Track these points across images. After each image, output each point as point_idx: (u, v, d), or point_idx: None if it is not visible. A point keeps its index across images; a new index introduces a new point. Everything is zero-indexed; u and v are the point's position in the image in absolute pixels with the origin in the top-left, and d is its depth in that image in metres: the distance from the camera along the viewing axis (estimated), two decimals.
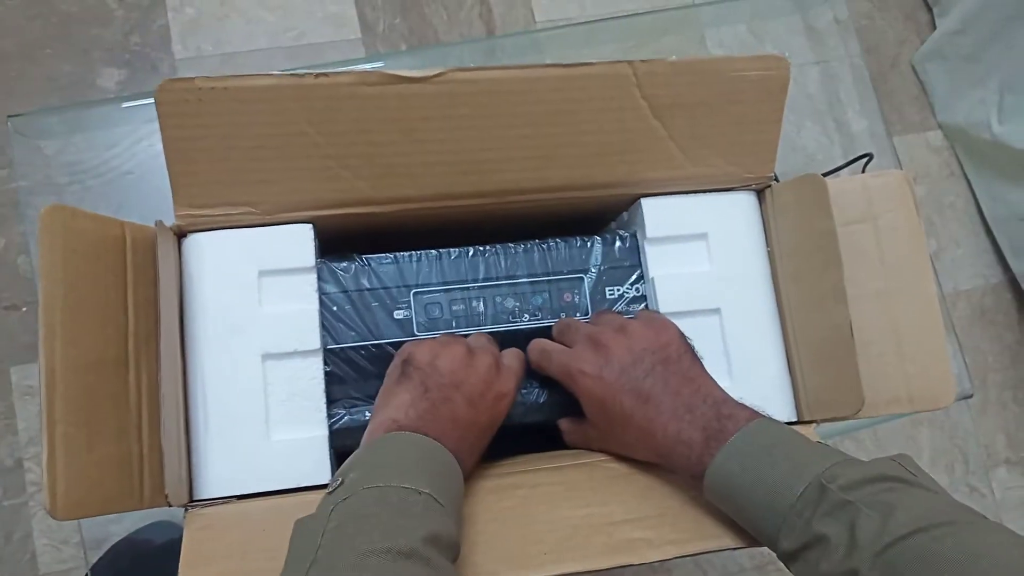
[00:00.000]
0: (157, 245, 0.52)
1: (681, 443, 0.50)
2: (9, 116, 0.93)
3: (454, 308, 0.58)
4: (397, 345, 0.56)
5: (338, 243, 0.58)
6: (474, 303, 0.59)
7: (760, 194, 0.63)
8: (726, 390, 0.54)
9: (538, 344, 0.58)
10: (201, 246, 0.55)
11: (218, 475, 0.52)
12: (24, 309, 1.38)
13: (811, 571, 0.43)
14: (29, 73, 1.45)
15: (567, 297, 0.60)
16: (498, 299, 0.59)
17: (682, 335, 0.55)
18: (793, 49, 1.18)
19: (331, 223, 0.56)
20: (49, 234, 0.46)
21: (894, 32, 1.75)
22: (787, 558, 0.45)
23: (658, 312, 0.59)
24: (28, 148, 0.93)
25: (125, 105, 1.01)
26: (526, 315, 0.59)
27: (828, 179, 0.60)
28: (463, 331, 0.58)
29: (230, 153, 0.52)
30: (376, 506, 0.42)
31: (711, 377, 0.54)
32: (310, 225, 0.56)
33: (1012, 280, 1.65)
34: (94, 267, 0.48)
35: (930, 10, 1.73)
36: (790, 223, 0.61)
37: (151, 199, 0.97)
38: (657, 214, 0.61)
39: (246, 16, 1.51)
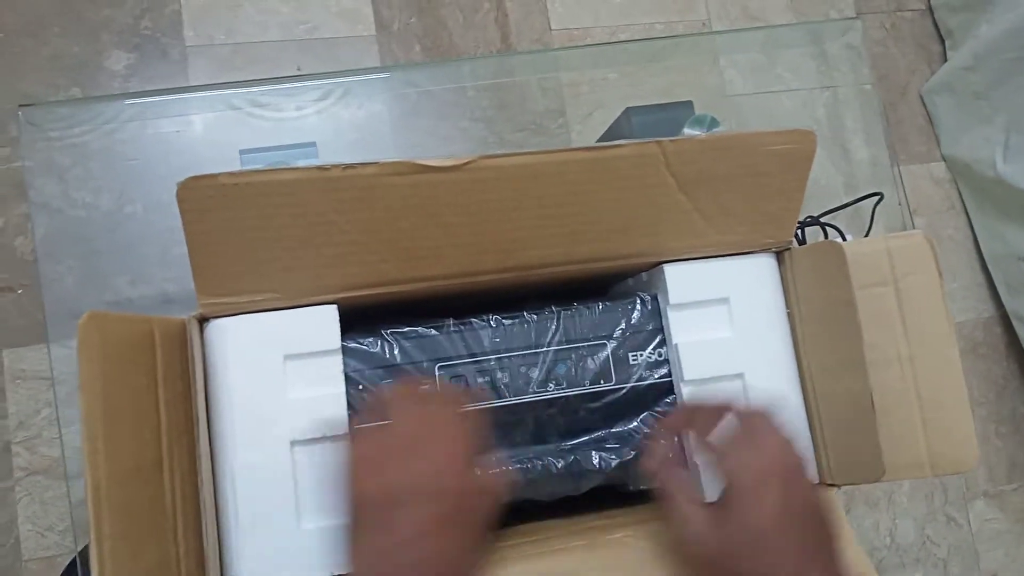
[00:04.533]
0: (187, 338, 0.53)
1: None
2: (20, 106, 0.92)
3: (479, 380, 0.58)
4: None
5: (362, 316, 0.58)
6: (499, 374, 0.59)
7: (779, 256, 0.64)
8: None
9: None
10: (225, 331, 0.54)
11: (251, 569, 0.52)
12: (19, 291, 1.37)
13: None
14: (36, 51, 1.43)
15: (590, 365, 0.60)
16: (522, 369, 0.59)
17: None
18: (805, 74, 1.19)
19: (355, 302, 0.56)
20: (88, 346, 0.45)
21: (906, 61, 1.75)
22: None
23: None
24: (33, 131, 0.92)
25: (128, 102, 1.00)
26: (551, 384, 0.59)
27: (851, 242, 0.60)
28: (488, 404, 0.58)
29: (253, 244, 0.52)
30: None
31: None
32: (335, 306, 0.56)
33: (1004, 316, 1.67)
34: (128, 372, 0.48)
35: (943, 42, 1.73)
36: (809, 289, 0.61)
37: (154, 186, 0.96)
38: (680, 280, 0.61)
39: (259, 6, 1.50)
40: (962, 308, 1.69)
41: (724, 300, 0.61)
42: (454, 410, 0.49)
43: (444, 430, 0.47)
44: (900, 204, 1.14)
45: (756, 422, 0.52)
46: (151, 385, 0.50)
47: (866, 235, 0.96)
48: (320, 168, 0.50)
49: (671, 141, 0.56)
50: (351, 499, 0.45)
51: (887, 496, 1.56)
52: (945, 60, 1.71)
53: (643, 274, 0.65)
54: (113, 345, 0.47)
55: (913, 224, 1.30)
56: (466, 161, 0.52)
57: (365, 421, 0.49)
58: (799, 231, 0.93)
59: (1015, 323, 1.62)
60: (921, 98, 1.73)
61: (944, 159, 1.72)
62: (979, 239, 1.68)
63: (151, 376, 0.50)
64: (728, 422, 0.52)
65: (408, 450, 0.45)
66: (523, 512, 0.64)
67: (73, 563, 0.82)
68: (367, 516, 0.44)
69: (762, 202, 0.60)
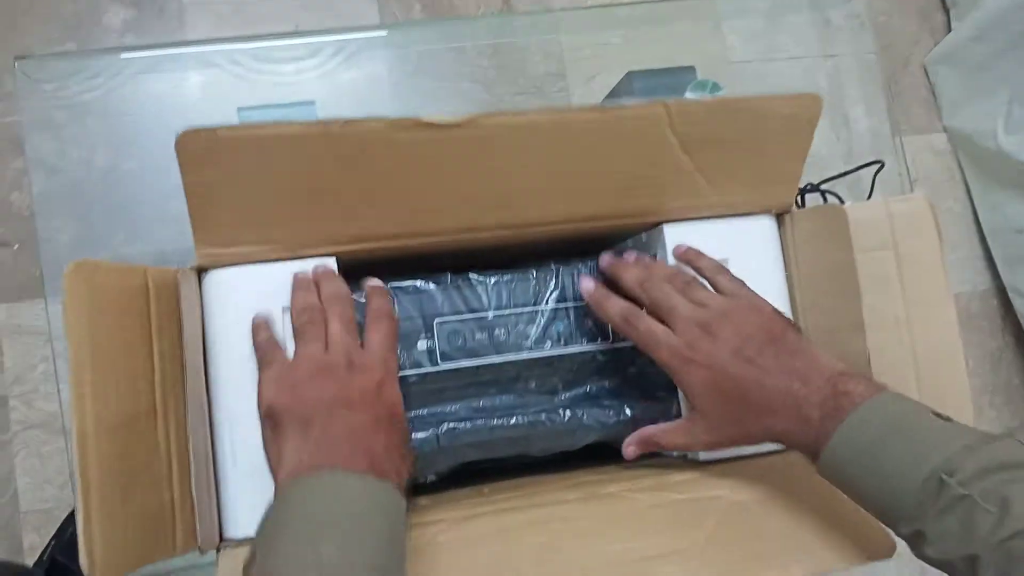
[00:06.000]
0: (180, 289, 0.52)
1: (800, 420, 0.49)
2: (16, 57, 0.91)
3: (477, 336, 0.59)
4: (423, 376, 0.57)
5: (361, 270, 0.58)
6: (496, 331, 0.59)
7: (779, 218, 0.64)
8: None
9: (634, 317, 0.56)
10: (223, 282, 0.54)
11: (248, 514, 0.52)
12: (16, 246, 1.37)
13: (931, 554, 0.44)
14: (33, 6, 1.42)
15: (587, 324, 0.61)
16: (520, 326, 0.60)
17: (778, 311, 0.55)
18: (807, 42, 1.18)
19: (355, 256, 0.56)
20: (75, 294, 0.45)
21: (909, 31, 1.74)
22: (906, 539, 0.46)
23: (746, 286, 0.58)
24: (29, 85, 0.92)
25: (125, 56, 0.99)
26: (548, 341, 0.60)
27: (852, 205, 0.60)
28: (485, 361, 0.58)
29: (253, 197, 0.51)
30: None
31: (819, 349, 0.53)
32: (334, 258, 0.56)
33: (1000, 288, 1.67)
34: (119, 322, 0.48)
35: (947, 12, 1.72)
36: (809, 251, 0.61)
37: (151, 144, 0.96)
38: (679, 240, 0.61)
39: None
40: (959, 280, 1.69)
41: (723, 261, 0.61)
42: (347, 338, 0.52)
43: (336, 350, 0.51)
44: (901, 175, 1.14)
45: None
46: (144, 334, 0.50)
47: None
48: (321, 123, 0.50)
49: (676, 102, 0.56)
50: (265, 418, 0.50)
51: None
52: (949, 30, 1.70)
53: (643, 234, 0.65)
54: (102, 294, 0.47)
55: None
56: (469, 118, 0.51)
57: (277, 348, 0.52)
58: (799, 197, 0.93)
59: (1011, 295, 1.63)
60: (924, 69, 1.72)
61: (945, 130, 1.71)
62: (978, 211, 1.68)
63: (144, 326, 0.50)
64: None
65: (312, 369, 0.50)
66: (517, 468, 0.65)
67: (71, 515, 0.83)
68: (280, 422, 0.48)
69: (764, 165, 0.60)
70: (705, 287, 0.58)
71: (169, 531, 0.50)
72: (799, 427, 0.49)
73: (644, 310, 0.56)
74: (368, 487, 0.45)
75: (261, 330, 0.53)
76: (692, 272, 0.59)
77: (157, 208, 0.91)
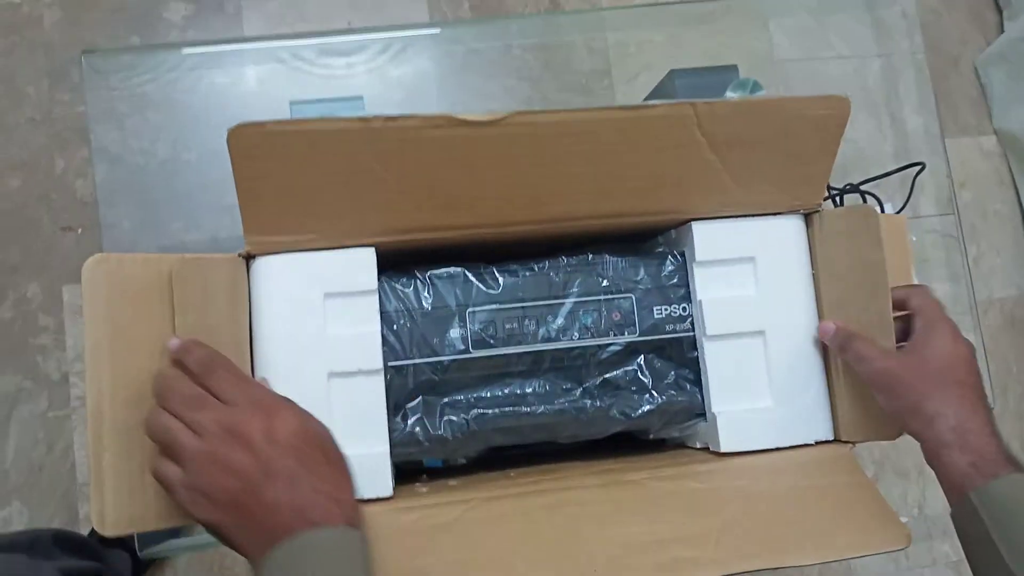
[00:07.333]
0: (207, 272, 0.55)
1: (987, 440, 0.54)
2: (83, 51, 0.95)
3: (507, 327, 0.61)
4: (453, 363, 0.60)
5: (398, 260, 0.61)
6: (526, 321, 0.61)
7: (808, 218, 0.65)
8: (767, 410, 0.59)
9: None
10: (270, 268, 0.57)
11: None
12: (79, 231, 1.43)
13: None
14: (99, 3, 1.48)
15: (615, 316, 0.63)
16: (549, 318, 0.62)
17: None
18: (857, 40, 1.18)
19: (392, 246, 0.59)
20: (92, 285, 0.50)
21: (959, 31, 1.72)
22: None
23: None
24: (95, 77, 0.96)
25: (186, 51, 1.03)
26: (576, 333, 0.62)
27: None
28: (515, 350, 0.61)
29: (298, 188, 0.55)
30: None
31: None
32: (372, 249, 0.58)
33: None
34: (141, 307, 0.51)
35: (1000, 11, 1.70)
36: (839, 250, 0.62)
37: (208, 136, 1.00)
38: (707, 238, 0.63)
39: None
40: (1004, 284, 1.67)
41: (750, 259, 0.63)
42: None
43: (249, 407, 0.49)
44: (946, 176, 1.13)
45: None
46: (166, 315, 0.53)
47: (904, 204, 0.97)
48: (362, 119, 0.53)
49: (705, 103, 0.57)
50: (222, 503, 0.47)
51: (917, 468, 1.57)
52: (1002, 31, 1.67)
53: (672, 231, 0.67)
54: (125, 283, 0.51)
55: (956, 197, 1.28)
56: (501, 117, 0.54)
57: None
58: (839, 197, 0.94)
59: None
60: (975, 69, 1.70)
61: (995, 132, 1.69)
62: None
63: (167, 311, 0.53)
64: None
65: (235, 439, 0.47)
66: (545, 454, 0.67)
67: None
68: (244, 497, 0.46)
69: (792, 165, 0.62)
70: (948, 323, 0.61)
71: None
72: (948, 458, 0.55)
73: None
74: (328, 538, 0.46)
75: (156, 419, 0.49)
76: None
77: (214, 197, 0.94)
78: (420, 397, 0.60)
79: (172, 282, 0.53)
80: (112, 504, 0.49)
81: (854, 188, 0.94)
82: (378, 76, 1.03)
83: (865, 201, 0.94)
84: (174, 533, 0.82)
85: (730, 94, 0.96)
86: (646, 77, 1.18)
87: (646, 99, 1.04)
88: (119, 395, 0.50)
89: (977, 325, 1.10)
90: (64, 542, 0.98)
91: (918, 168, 0.94)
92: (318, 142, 0.53)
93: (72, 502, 1.35)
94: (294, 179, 0.54)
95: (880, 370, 0.58)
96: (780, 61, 1.22)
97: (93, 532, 1.24)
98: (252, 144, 0.52)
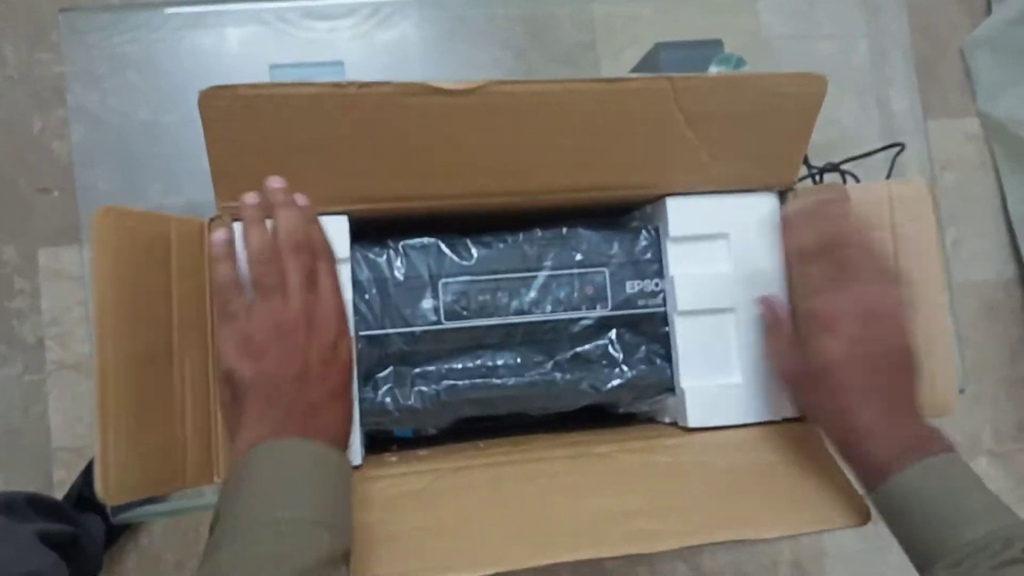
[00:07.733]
0: (205, 237, 0.55)
1: (875, 442, 0.52)
2: (61, 10, 0.94)
3: (480, 298, 0.61)
4: (425, 333, 0.60)
5: (372, 229, 0.60)
6: (499, 294, 0.61)
7: (782, 195, 0.65)
8: (735, 387, 0.60)
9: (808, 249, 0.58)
10: (240, 235, 0.56)
11: None
12: (56, 193, 1.41)
13: None
14: None
15: (588, 290, 0.63)
16: (522, 290, 0.62)
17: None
18: (844, 20, 1.18)
19: (366, 214, 0.59)
20: (101, 237, 0.49)
21: (947, 14, 1.71)
22: None
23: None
24: (73, 36, 0.95)
25: (168, 11, 1.02)
26: (548, 306, 0.62)
27: (855, 186, 0.61)
28: (487, 322, 0.61)
29: (270, 153, 0.54)
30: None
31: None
32: (345, 217, 0.58)
33: None
34: (143, 266, 0.51)
35: None
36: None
37: (189, 98, 0.98)
38: (681, 213, 0.63)
39: None
40: (983, 268, 1.68)
41: (724, 235, 0.63)
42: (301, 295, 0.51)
43: (292, 308, 0.50)
44: (926, 158, 1.13)
45: (856, 256, 0.57)
46: (165, 280, 0.53)
47: None
48: (336, 85, 0.52)
49: (682, 77, 0.57)
50: (226, 383, 0.50)
51: None
52: (989, 14, 1.67)
53: (647, 207, 0.67)
54: (128, 238, 0.50)
55: (937, 179, 1.28)
56: (478, 85, 0.54)
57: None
58: (819, 176, 0.94)
59: None
60: (962, 53, 1.70)
61: (979, 116, 1.69)
62: (1007, 199, 1.66)
63: (165, 271, 0.53)
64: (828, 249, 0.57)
65: (272, 338, 0.49)
66: (515, 426, 0.68)
67: None
68: (241, 394, 0.49)
69: (768, 142, 0.62)
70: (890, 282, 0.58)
71: (180, 465, 0.53)
72: (869, 448, 0.53)
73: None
74: (320, 454, 0.48)
75: (220, 265, 0.52)
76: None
77: (193, 161, 0.93)
78: (391, 367, 0.60)
79: (172, 245, 0.53)
80: (116, 472, 0.49)
81: (834, 167, 0.94)
82: (361, 41, 1.02)
83: (845, 181, 0.94)
84: (149, 499, 0.82)
85: (713, 69, 0.95)
86: (633, 51, 1.17)
87: (631, 71, 1.03)
88: (123, 360, 0.50)
89: (954, 310, 1.10)
90: (38, 505, 0.98)
91: (897, 149, 0.95)
92: (291, 107, 0.52)
93: (47, 466, 1.35)
94: (266, 144, 0.54)
95: (779, 371, 0.59)
96: (769, 38, 1.21)
97: (67, 496, 1.24)
98: (224, 108, 0.52)
